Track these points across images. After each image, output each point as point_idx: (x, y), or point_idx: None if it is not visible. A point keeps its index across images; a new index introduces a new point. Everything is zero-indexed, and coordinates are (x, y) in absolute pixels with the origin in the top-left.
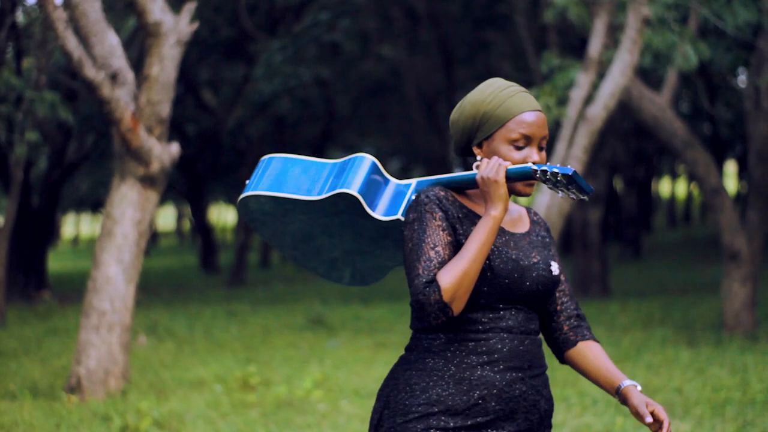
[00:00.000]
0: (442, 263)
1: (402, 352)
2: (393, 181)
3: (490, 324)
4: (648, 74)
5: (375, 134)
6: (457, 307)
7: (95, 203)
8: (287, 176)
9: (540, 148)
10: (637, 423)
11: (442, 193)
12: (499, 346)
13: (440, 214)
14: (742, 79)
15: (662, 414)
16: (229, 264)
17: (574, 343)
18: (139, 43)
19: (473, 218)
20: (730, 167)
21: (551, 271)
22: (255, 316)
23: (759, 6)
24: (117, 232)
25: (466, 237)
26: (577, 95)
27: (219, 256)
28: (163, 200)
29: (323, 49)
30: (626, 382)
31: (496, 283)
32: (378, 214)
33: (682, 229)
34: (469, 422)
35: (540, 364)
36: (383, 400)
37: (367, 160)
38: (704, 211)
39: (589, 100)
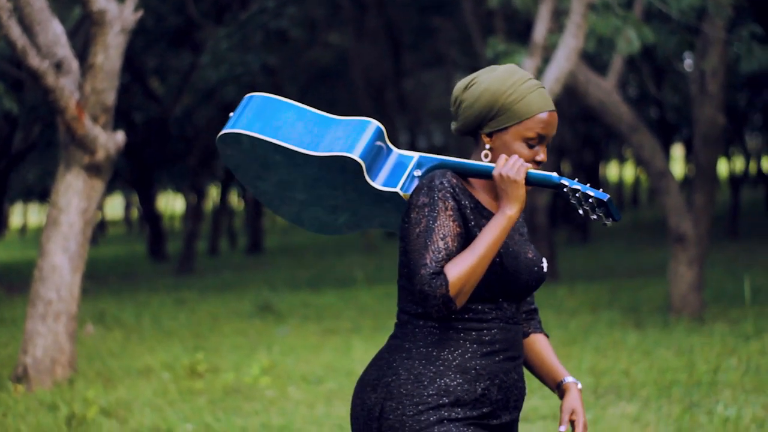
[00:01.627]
0: (450, 255)
1: (349, 338)
2: (395, 150)
3: (491, 315)
4: (594, 59)
5: None
6: (460, 302)
7: (43, 193)
8: (281, 121)
9: (546, 145)
10: (587, 406)
11: (455, 181)
12: (499, 337)
13: (453, 203)
14: (688, 63)
15: (579, 428)
16: (178, 252)
17: (526, 335)
18: (85, 32)
19: (481, 210)
20: (677, 151)
21: (542, 268)
22: (203, 303)
23: None
24: (63, 221)
25: (476, 228)
26: None
27: (167, 245)
28: (111, 189)
29: (270, 37)
30: (568, 379)
31: (504, 279)
32: (377, 184)
33: (630, 213)
34: (475, 413)
35: (522, 352)
36: (382, 391)
37: (372, 124)
38: (652, 195)
39: None
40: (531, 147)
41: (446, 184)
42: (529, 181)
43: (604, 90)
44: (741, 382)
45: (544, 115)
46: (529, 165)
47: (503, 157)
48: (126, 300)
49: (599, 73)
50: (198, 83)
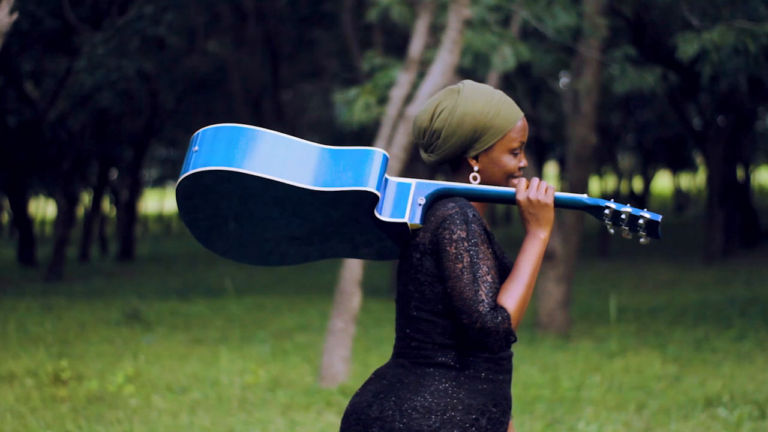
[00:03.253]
0: (497, 288)
1: (217, 348)
2: (391, 179)
3: None
4: (470, 75)
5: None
6: (516, 332)
7: None
8: (269, 155)
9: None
10: None
11: (475, 209)
12: (511, 363)
13: (484, 235)
14: (563, 82)
15: None
16: (47, 258)
17: None
18: None
19: (491, 234)
20: (551, 168)
21: None
22: (71, 310)
23: (579, 10)
24: None
25: (500, 255)
26: (397, 94)
27: (37, 250)
28: None
29: (148, 43)
30: None
31: None
32: (385, 216)
33: (503, 228)
34: None
35: None
36: (437, 419)
37: (378, 154)
38: None
39: (409, 99)
40: (516, 156)
41: (477, 215)
42: (557, 203)
43: None
44: (603, 400)
45: (520, 123)
46: (554, 187)
47: (523, 180)
48: None
49: None
50: (73, 88)
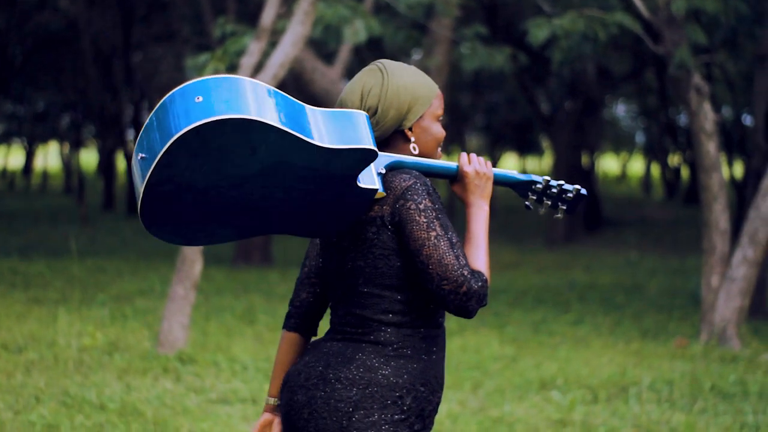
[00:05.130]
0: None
1: (56, 309)
2: None
3: (442, 317)
4: (321, 46)
5: (48, 87)
6: None
7: None
8: (278, 112)
9: None
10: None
11: None
12: (445, 338)
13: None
14: (415, 60)
15: None
16: None
17: None
18: None
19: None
20: None
21: None
22: None
23: None
24: None
25: None
26: (247, 62)
27: None
28: None
29: None
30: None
31: None
32: (363, 183)
33: None
34: (427, 423)
35: None
36: (358, 391)
37: (362, 114)
38: None
39: (259, 68)
40: (440, 122)
41: (433, 185)
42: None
43: (330, 79)
44: None
45: (438, 91)
46: (488, 161)
47: (464, 155)
48: None
49: (328, 62)
50: None
